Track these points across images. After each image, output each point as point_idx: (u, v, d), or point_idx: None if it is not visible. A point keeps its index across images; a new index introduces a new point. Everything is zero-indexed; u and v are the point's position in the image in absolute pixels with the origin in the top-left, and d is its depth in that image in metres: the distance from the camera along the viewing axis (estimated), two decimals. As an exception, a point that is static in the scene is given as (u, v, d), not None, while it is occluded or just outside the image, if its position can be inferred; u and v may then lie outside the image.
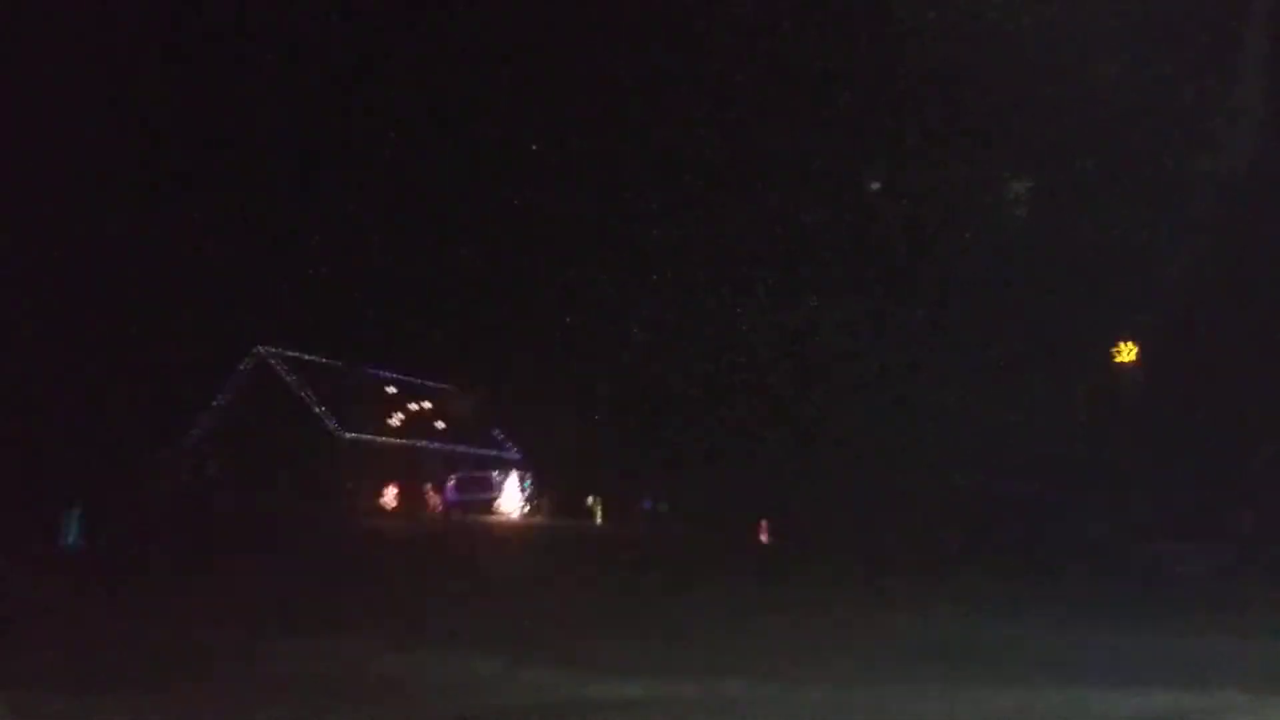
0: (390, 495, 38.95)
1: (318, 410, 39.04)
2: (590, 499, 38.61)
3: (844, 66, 39.97)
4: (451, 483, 40.88)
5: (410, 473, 41.37)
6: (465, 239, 59.45)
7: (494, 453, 45.95)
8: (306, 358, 41.41)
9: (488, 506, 38.97)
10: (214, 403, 40.88)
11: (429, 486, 40.04)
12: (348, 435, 39.37)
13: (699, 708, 8.49)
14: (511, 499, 39.75)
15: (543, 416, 46.44)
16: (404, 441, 42.06)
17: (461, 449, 44.59)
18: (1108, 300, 41.39)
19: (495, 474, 42.82)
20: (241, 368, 40.67)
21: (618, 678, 9.37)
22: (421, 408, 44.78)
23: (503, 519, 36.05)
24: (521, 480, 41.44)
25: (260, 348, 40.38)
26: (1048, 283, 42.24)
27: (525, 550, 27.37)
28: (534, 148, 54.45)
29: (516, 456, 46.38)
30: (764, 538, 35.86)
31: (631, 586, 20.11)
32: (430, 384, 46.49)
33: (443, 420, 45.08)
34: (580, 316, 52.61)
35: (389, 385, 43.69)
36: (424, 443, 42.95)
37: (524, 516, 38.18)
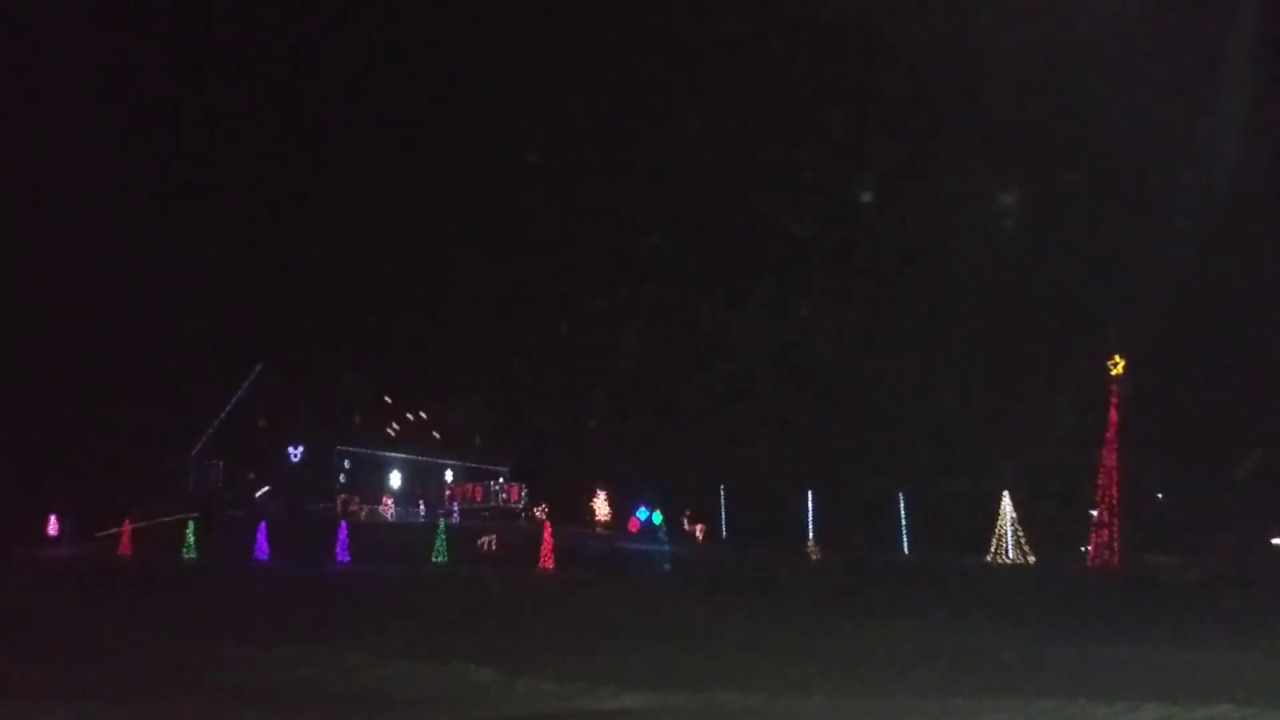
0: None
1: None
2: (592, 507, 38.76)
3: (835, 82, 40.30)
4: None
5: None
6: (463, 249, 59.52)
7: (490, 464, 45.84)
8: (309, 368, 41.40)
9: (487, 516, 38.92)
10: (220, 412, 40.82)
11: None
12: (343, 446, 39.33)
13: (694, 718, 8.46)
14: (511, 507, 39.76)
15: (537, 425, 46.40)
16: (403, 455, 42.01)
17: (460, 458, 44.52)
18: (1094, 310, 41.61)
19: (493, 484, 42.72)
20: (248, 380, 40.58)
21: (613, 688, 9.33)
22: (420, 418, 44.69)
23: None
24: (519, 489, 41.39)
25: (264, 360, 40.35)
26: (1035, 294, 42.45)
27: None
28: (532, 160, 54.63)
29: (512, 464, 46.24)
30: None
31: (628, 597, 20.06)
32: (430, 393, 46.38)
33: (441, 430, 45.02)
34: (575, 325, 52.60)
35: (387, 395, 43.65)
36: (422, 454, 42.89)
37: (526, 523, 38.12)
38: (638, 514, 40.13)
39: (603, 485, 44.11)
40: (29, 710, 8.44)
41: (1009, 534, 41.09)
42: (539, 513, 38.39)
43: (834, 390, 46.35)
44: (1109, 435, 30.60)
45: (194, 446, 40.73)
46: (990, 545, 41.74)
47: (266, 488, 38.37)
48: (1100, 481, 30.52)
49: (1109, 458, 30.45)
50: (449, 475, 43.97)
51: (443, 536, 27.90)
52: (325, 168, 65.69)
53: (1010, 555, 40.69)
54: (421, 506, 40.55)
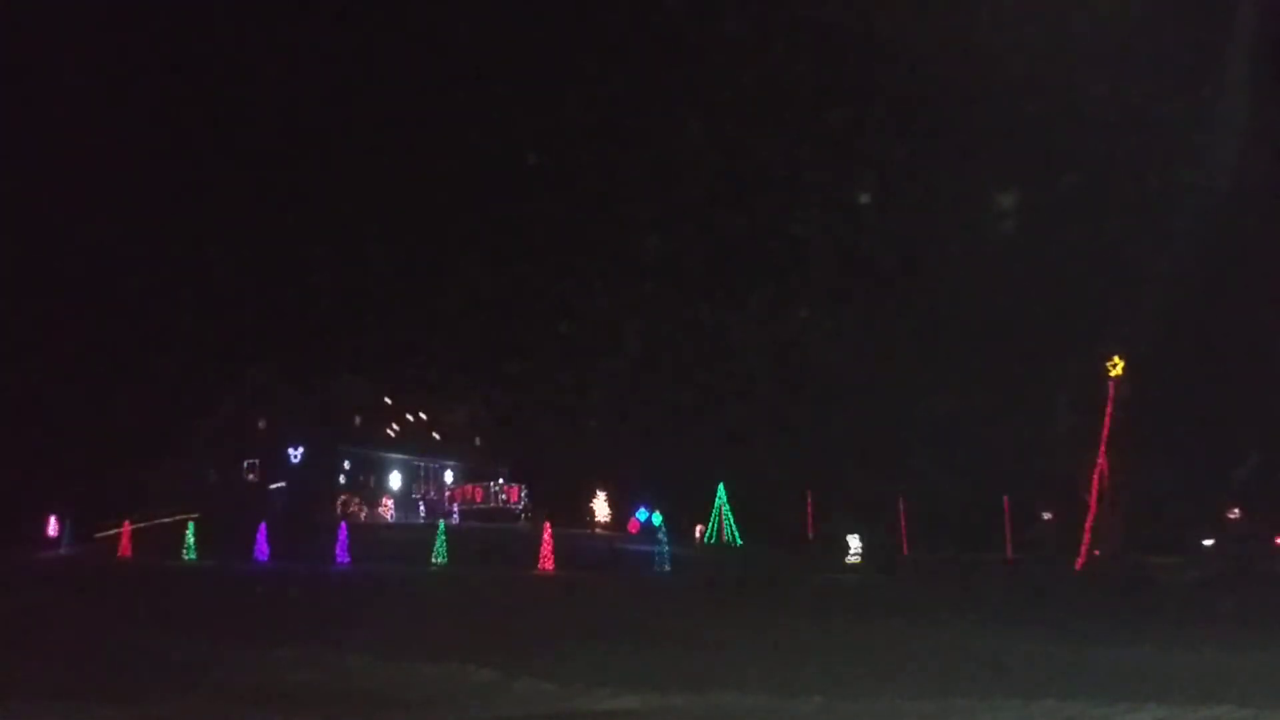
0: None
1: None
2: (591, 507, 38.82)
3: (835, 84, 40.26)
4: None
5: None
6: (463, 250, 59.57)
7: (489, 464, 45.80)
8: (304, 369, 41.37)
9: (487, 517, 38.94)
10: (220, 412, 40.75)
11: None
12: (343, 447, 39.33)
13: (694, 718, 8.47)
14: (510, 509, 39.80)
15: (537, 426, 46.39)
16: (403, 456, 41.98)
17: (459, 459, 44.48)
18: (1094, 311, 41.58)
19: (493, 484, 42.75)
20: (248, 380, 40.50)
21: (612, 688, 9.33)
22: (420, 418, 44.66)
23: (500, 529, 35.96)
24: (519, 489, 41.42)
25: (264, 360, 40.34)
26: (1034, 294, 42.43)
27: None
28: (531, 160, 54.66)
29: (511, 465, 46.20)
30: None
31: (628, 597, 20.06)
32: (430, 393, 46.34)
33: (441, 431, 44.99)
34: (575, 326, 52.56)
35: (387, 395, 43.64)
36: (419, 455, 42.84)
37: (525, 524, 38.12)
38: (637, 514, 40.12)
39: (603, 485, 44.11)
40: (29, 710, 8.44)
41: (1007, 534, 41.08)
42: (539, 513, 38.39)
43: (834, 390, 46.26)
44: (1108, 436, 30.61)
45: (194, 447, 40.77)
46: (990, 545, 41.71)
47: (280, 484, 38.37)
48: (1099, 482, 30.53)
49: (1108, 458, 30.46)
50: (449, 476, 43.98)
51: (442, 537, 27.92)
52: (325, 167, 65.66)
53: (1010, 555, 40.66)
54: (421, 507, 40.56)
